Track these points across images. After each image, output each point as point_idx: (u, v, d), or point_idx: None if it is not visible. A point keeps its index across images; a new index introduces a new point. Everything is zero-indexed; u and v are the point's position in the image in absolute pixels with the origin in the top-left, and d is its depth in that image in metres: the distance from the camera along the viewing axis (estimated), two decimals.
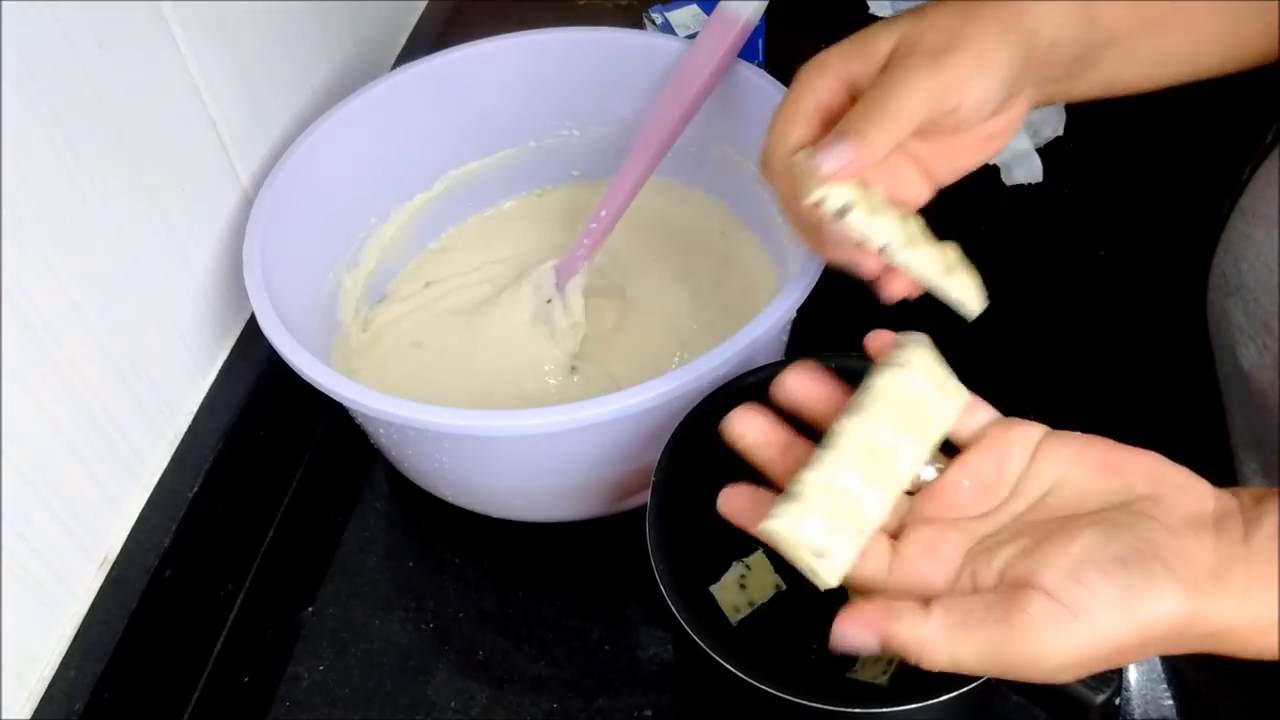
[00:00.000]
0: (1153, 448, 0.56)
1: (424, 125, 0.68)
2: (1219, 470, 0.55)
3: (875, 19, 0.91)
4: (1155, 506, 0.36)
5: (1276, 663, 0.35)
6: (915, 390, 0.40)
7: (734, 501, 0.42)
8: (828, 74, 0.45)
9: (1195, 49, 0.49)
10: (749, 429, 0.42)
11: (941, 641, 0.36)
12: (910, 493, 0.41)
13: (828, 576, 0.38)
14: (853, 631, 0.37)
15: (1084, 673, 0.36)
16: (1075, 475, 0.39)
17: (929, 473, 0.41)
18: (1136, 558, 0.35)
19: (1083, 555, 0.35)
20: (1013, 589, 0.35)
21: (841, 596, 0.56)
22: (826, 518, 0.38)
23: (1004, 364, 0.65)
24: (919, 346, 0.41)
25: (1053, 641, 0.34)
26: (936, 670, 0.36)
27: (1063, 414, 0.63)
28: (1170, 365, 0.66)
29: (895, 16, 0.46)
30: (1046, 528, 0.37)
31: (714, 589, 0.55)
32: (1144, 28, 0.47)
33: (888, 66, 0.44)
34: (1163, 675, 0.54)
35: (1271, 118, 0.54)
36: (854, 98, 0.44)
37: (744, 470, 0.53)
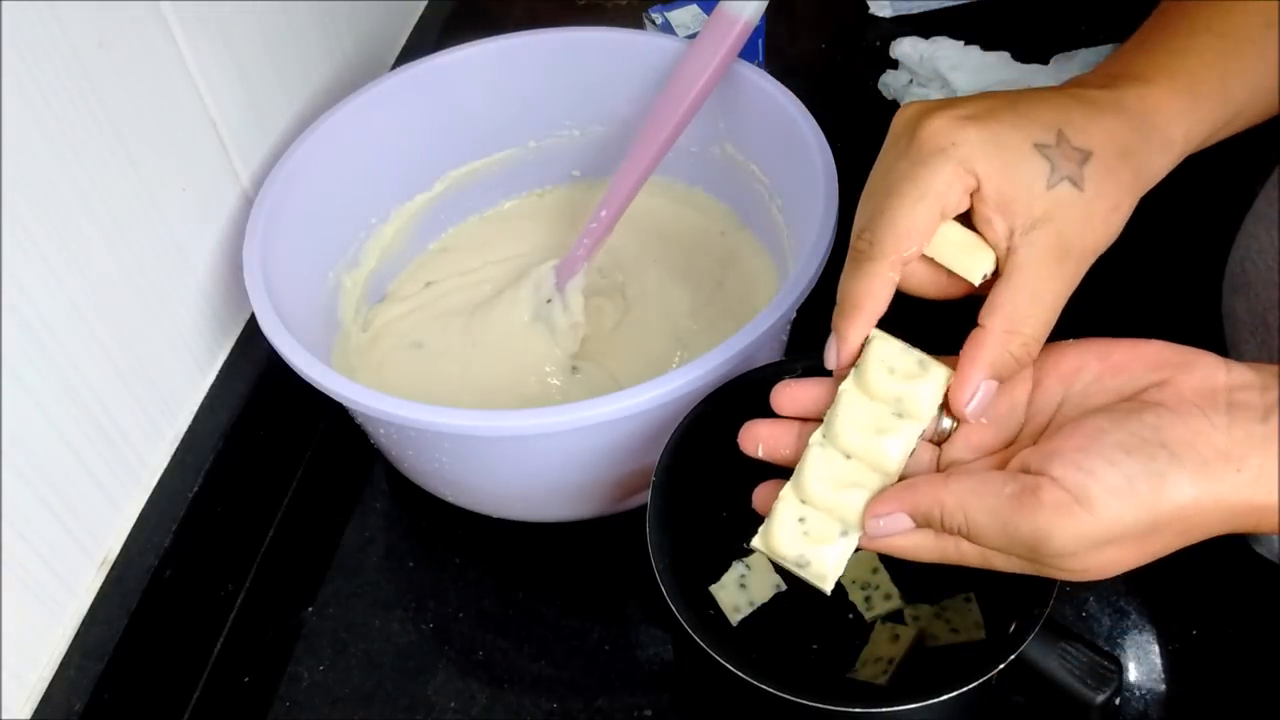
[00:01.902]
0: None
1: (424, 125, 0.68)
2: None
3: (875, 19, 0.91)
4: (1162, 391, 0.37)
5: (1276, 666, 0.35)
6: (880, 383, 0.41)
7: (761, 495, 0.43)
8: (969, 185, 0.40)
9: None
10: (759, 440, 0.43)
11: (956, 501, 0.37)
12: (938, 443, 0.42)
13: (819, 583, 0.40)
14: (882, 511, 0.38)
15: (1097, 565, 0.36)
16: (1081, 381, 0.39)
17: (947, 423, 0.41)
18: (1141, 445, 0.35)
19: (1089, 444, 0.36)
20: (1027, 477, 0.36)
21: (841, 598, 0.56)
22: (804, 530, 0.40)
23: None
24: (872, 343, 0.42)
25: (1060, 525, 0.35)
26: (945, 560, 0.38)
27: None
28: None
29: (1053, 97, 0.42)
30: (1060, 425, 0.39)
31: (714, 589, 0.55)
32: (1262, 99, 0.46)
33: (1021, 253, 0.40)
34: (1163, 675, 0.54)
35: (1273, 134, 0.54)
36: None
37: (744, 470, 0.53)
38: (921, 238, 0.40)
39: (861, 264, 0.40)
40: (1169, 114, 0.42)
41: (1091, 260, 0.41)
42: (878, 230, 0.40)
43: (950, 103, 0.41)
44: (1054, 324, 0.40)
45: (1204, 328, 0.56)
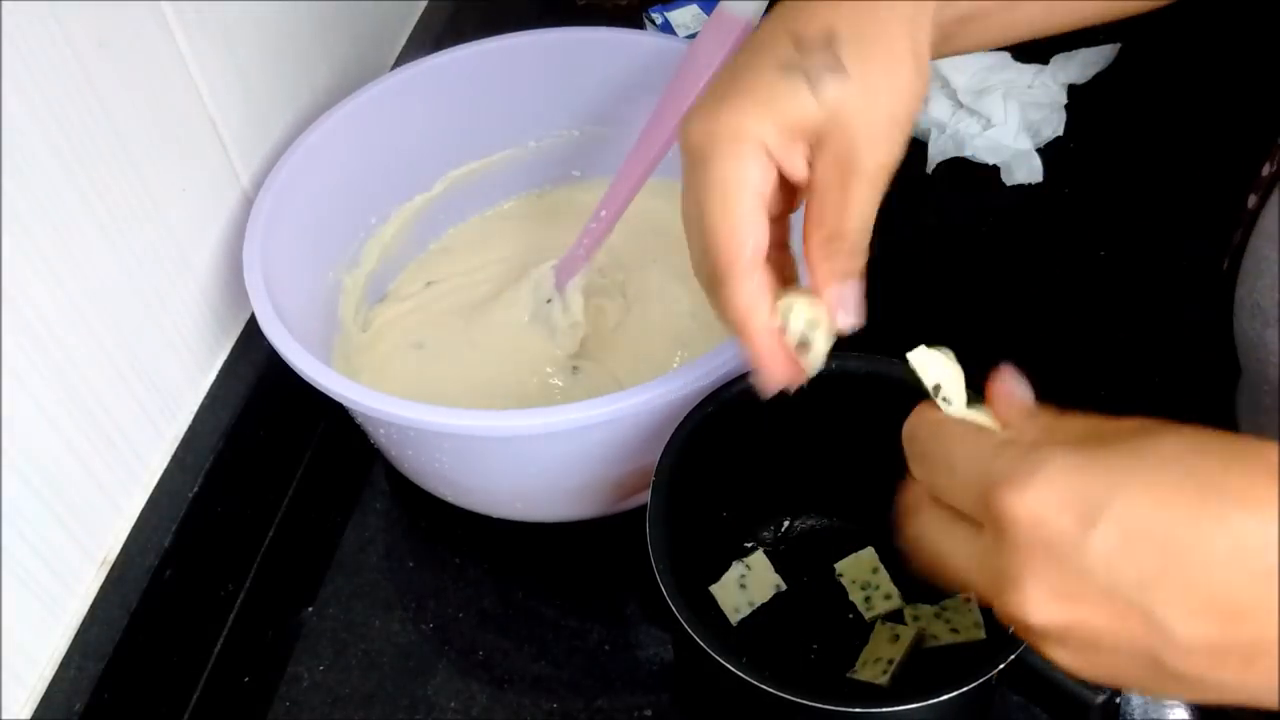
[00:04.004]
0: None
1: (424, 125, 0.68)
2: None
3: None
4: None
5: None
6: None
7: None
8: (758, 156, 0.39)
9: (1052, 16, 0.46)
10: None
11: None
12: None
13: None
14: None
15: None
16: None
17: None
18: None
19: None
20: None
21: (841, 598, 0.56)
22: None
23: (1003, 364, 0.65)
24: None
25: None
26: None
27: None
28: (1170, 365, 0.66)
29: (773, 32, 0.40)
30: None
31: (714, 589, 0.55)
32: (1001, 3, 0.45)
33: (833, 162, 0.39)
34: None
35: (1271, 134, 0.54)
36: (784, 176, 0.40)
37: (744, 470, 0.53)
38: (750, 229, 0.39)
39: (722, 287, 0.40)
40: None
41: (904, 130, 0.39)
42: (711, 249, 0.39)
43: (705, 94, 0.40)
44: (874, 210, 0.40)
45: (1187, 328, 0.56)
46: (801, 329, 0.40)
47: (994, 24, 0.45)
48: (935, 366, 0.37)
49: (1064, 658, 0.31)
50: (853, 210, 0.39)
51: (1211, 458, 0.29)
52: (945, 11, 0.42)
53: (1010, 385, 0.35)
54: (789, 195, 0.42)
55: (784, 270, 0.43)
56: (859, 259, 0.40)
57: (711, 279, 0.40)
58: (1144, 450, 0.30)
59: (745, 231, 0.39)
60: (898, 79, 0.39)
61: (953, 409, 0.36)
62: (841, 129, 0.38)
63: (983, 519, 0.31)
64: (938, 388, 0.36)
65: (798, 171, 0.40)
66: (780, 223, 0.43)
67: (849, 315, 0.40)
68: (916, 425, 0.35)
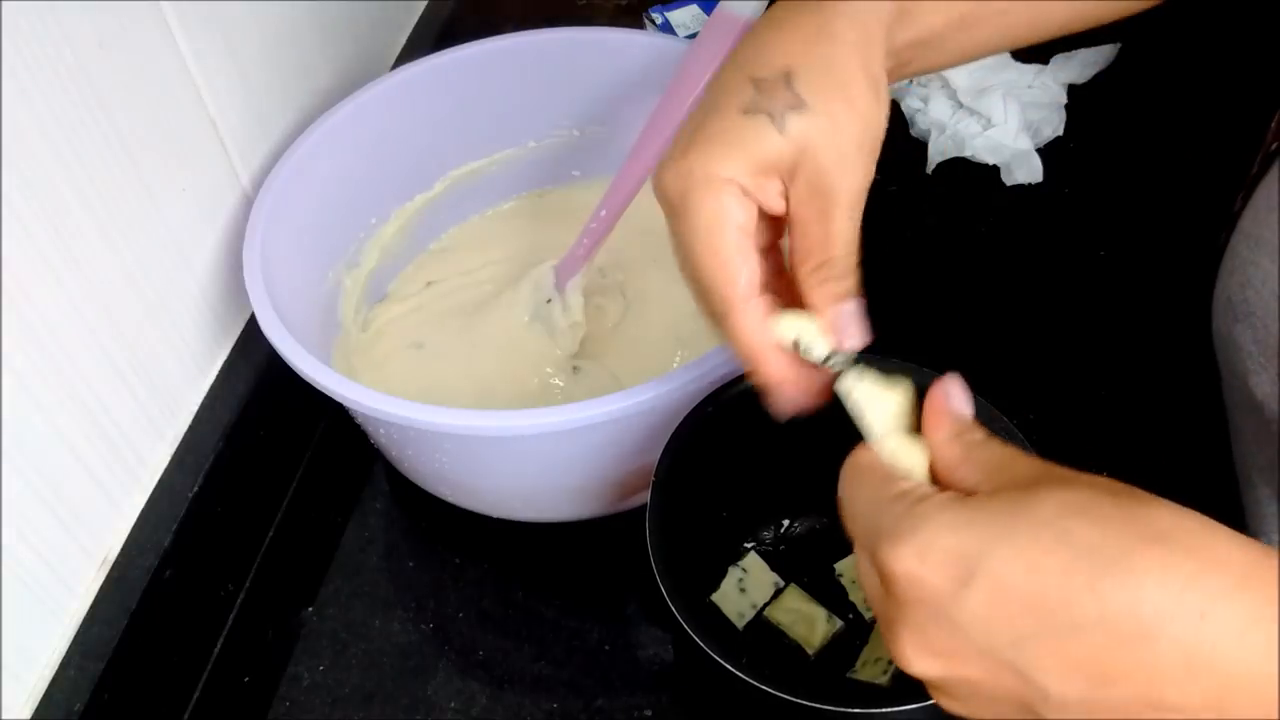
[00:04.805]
0: (1152, 446, 0.56)
1: (424, 125, 0.68)
2: (1219, 470, 0.55)
3: None
4: None
5: None
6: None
7: None
8: (734, 194, 0.40)
9: (1006, 37, 0.47)
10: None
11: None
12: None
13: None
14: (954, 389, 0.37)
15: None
16: None
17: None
18: None
19: None
20: None
21: (841, 598, 0.56)
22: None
23: (1003, 364, 0.65)
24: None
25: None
26: None
27: (1062, 414, 0.63)
28: (1169, 365, 0.66)
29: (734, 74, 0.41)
30: None
31: (715, 598, 0.55)
32: (955, 27, 0.45)
33: (810, 193, 0.40)
34: None
35: (1260, 131, 0.54)
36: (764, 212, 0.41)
37: (744, 471, 0.53)
38: (739, 262, 0.40)
39: (724, 323, 0.40)
40: None
41: (870, 154, 0.40)
42: (707, 289, 0.40)
43: (672, 146, 0.41)
44: (857, 231, 0.40)
45: (1185, 328, 0.56)
46: (814, 344, 0.40)
47: (950, 47, 0.45)
48: (862, 394, 0.38)
49: (947, 704, 0.32)
50: (835, 238, 0.40)
51: (1089, 521, 0.29)
52: (897, 38, 0.43)
53: (944, 402, 0.36)
54: (774, 226, 0.43)
55: (790, 297, 0.43)
56: (850, 279, 0.40)
57: (714, 317, 0.41)
58: (1023, 511, 0.30)
59: (735, 265, 0.40)
60: (858, 105, 0.40)
61: (874, 440, 0.37)
62: (811, 161, 0.39)
63: (877, 569, 0.32)
64: (860, 416, 0.37)
65: (775, 206, 0.41)
66: (774, 251, 0.43)
67: (853, 336, 0.40)
68: (844, 467, 0.37)
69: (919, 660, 0.31)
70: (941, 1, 0.44)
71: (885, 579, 0.32)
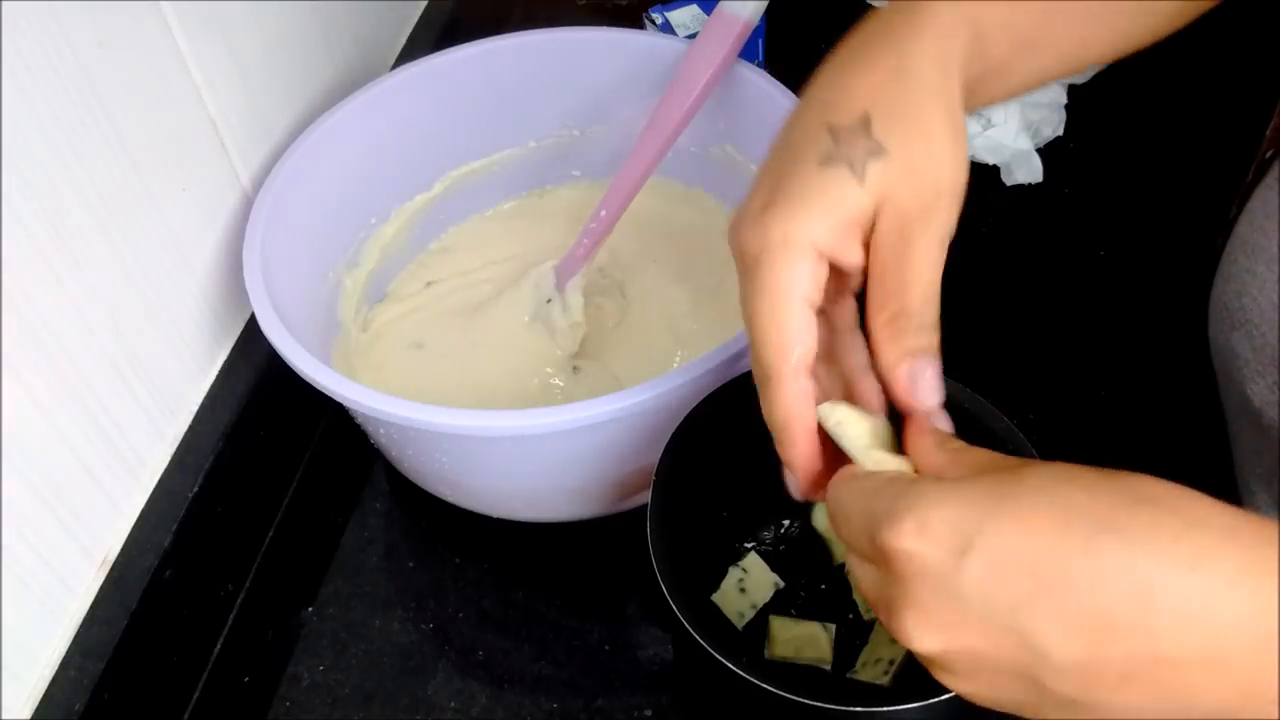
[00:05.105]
0: (1152, 446, 0.56)
1: (424, 125, 0.68)
2: (1218, 473, 0.55)
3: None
4: None
5: None
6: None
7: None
8: (808, 259, 0.38)
9: (1061, 62, 0.46)
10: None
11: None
12: None
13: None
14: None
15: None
16: None
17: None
18: None
19: None
20: None
21: (842, 598, 0.56)
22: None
23: (1003, 364, 0.65)
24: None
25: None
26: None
27: (1062, 414, 0.63)
28: (1169, 365, 0.66)
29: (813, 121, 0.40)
30: None
31: (715, 598, 0.55)
32: (1017, 53, 0.45)
33: (893, 244, 0.39)
34: None
35: (1256, 136, 0.54)
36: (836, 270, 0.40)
37: (744, 470, 0.53)
38: (798, 336, 0.38)
39: (766, 389, 0.40)
40: (934, 9, 0.40)
41: (952, 198, 0.39)
42: (760, 354, 0.39)
43: (745, 202, 0.40)
44: (938, 282, 0.39)
45: (1185, 329, 0.56)
46: (853, 438, 0.39)
47: (1011, 79, 0.45)
48: (843, 414, 0.39)
49: (952, 682, 0.32)
50: (911, 285, 0.38)
51: (1077, 487, 0.31)
52: (971, 69, 0.42)
53: (926, 422, 0.38)
54: (844, 278, 0.41)
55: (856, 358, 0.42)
56: (930, 334, 0.39)
57: (759, 379, 0.40)
58: (1012, 482, 0.32)
59: (792, 339, 0.39)
60: (939, 149, 0.39)
61: (858, 454, 0.38)
62: (891, 208, 0.38)
63: (874, 557, 0.33)
64: (841, 437, 0.38)
65: (854, 260, 0.39)
66: (843, 305, 0.42)
67: (927, 395, 0.38)
68: (831, 482, 0.37)
69: (923, 636, 0.32)
70: (1007, 28, 0.43)
71: (886, 558, 0.32)
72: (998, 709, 0.33)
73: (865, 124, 0.39)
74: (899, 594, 0.32)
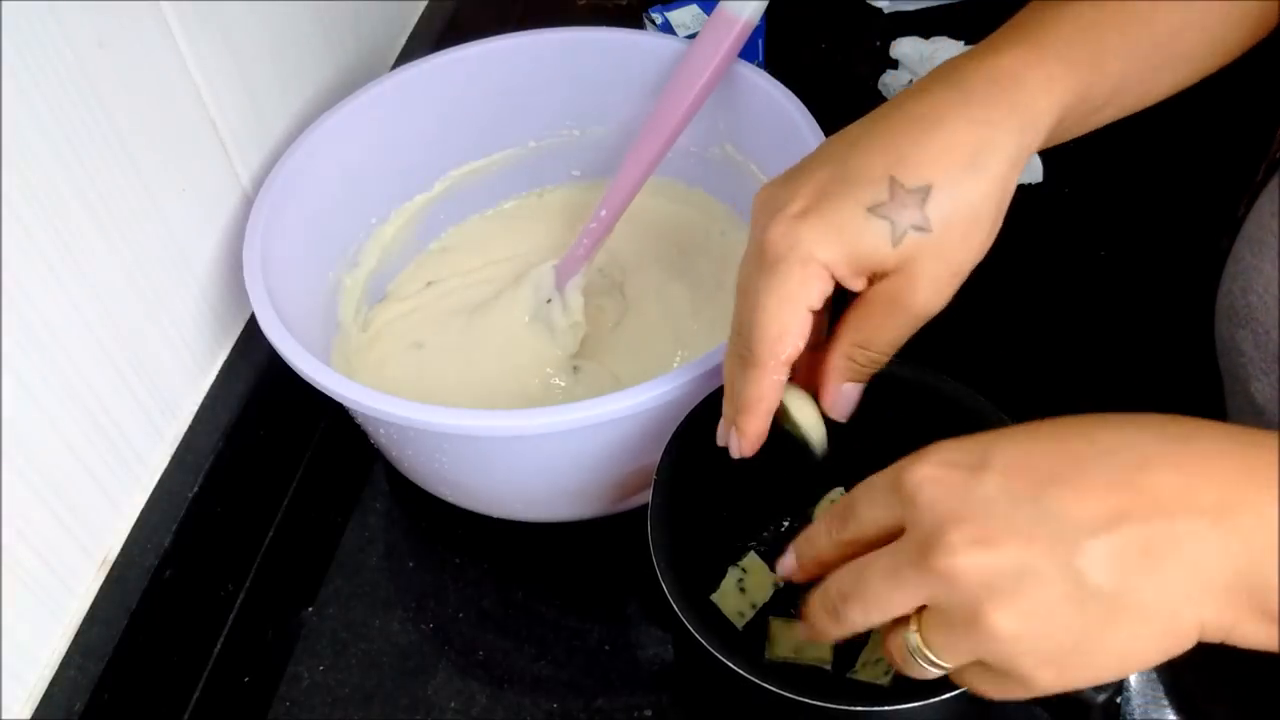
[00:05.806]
0: None
1: (424, 125, 0.68)
2: None
3: (876, 19, 0.91)
4: None
5: (1270, 667, 0.35)
6: None
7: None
8: (823, 277, 0.41)
9: (1175, 79, 0.49)
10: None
11: None
12: None
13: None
14: None
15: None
16: None
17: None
18: None
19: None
20: None
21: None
22: None
23: (1003, 364, 0.65)
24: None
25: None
26: None
27: (1062, 414, 0.63)
28: (1171, 366, 0.66)
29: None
30: None
31: (715, 598, 0.55)
32: (1139, 76, 0.46)
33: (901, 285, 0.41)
34: (1163, 675, 0.54)
35: (1267, 136, 0.54)
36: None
37: (744, 470, 0.53)
38: (793, 338, 0.41)
39: (746, 369, 0.43)
40: (1030, 87, 0.41)
41: (961, 278, 0.42)
42: (752, 338, 0.42)
43: (788, 192, 0.41)
44: (910, 336, 0.43)
45: (1185, 329, 0.56)
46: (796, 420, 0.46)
47: (1095, 120, 0.46)
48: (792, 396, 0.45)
49: (1003, 621, 0.33)
50: (889, 336, 0.42)
51: (1069, 419, 0.35)
52: (1065, 122, 0.44)
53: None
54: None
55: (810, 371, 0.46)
56: (872, 370, 0.44)
57: (740, 357, 0.43)
58: (1008, 428, 0.36)
59: (790, 338, 0.41)
60: (974, 241, 0.41)
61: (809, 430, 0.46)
62: (906, 275, 0.41)
63: (896, 508, 0.36)
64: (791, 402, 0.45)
65: (855, 289, 0.42)
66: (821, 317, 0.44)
67: (843, 410, 0.45)
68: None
69: (965, 556, 0.33)
70: (1107, 76, 0.44)
71: (911, 496, 0.35)
72: (1042, 663, 0.33)
73: (924, 195, 0.40)
74: (930, 528, 0.34)
